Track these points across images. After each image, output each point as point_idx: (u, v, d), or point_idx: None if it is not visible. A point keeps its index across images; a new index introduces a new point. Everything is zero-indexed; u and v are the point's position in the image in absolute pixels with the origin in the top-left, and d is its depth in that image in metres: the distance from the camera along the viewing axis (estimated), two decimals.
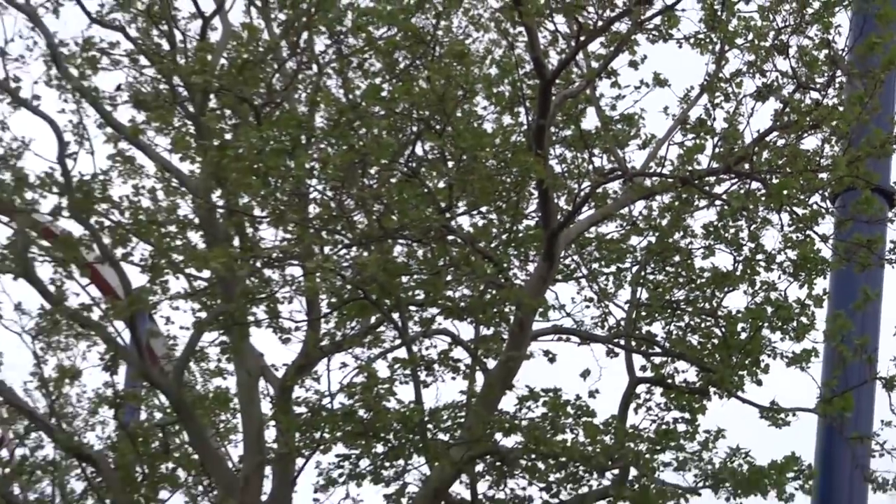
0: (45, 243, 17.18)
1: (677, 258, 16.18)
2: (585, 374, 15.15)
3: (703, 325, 15.94)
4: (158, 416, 18.60)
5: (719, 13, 14.54)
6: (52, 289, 16.79)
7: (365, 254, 14.80)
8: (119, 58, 16.96)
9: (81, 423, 18.78)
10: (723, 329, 15.45)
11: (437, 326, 16.13)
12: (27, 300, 18.14)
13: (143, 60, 16.90)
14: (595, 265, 16.97)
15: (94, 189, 16.26)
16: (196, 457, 17.17)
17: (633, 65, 14.60)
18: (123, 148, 17.14)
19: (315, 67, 16.45)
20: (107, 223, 16.38)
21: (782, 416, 14.89)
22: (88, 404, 19.02)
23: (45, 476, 19.13)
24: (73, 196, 16.13)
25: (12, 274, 16.71)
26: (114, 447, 17.66)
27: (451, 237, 14.94)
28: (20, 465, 19.31)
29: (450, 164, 15.36)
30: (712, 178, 14.86)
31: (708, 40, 14.81)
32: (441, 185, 15.27)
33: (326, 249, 15.39)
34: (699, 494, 14.95)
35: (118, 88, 17.20)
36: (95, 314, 17.00)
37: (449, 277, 15.44)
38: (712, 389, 15.11)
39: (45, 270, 16.85)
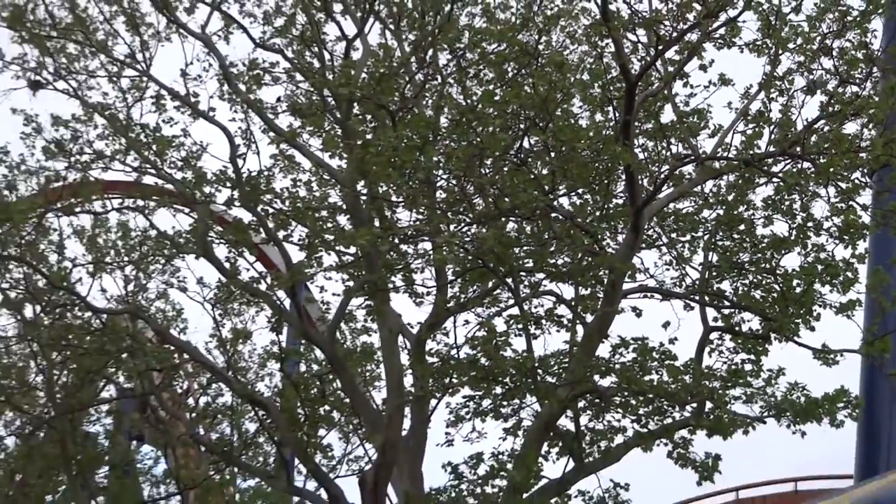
0: (220, 229, 18.06)
1: (742, 227, 16.42)
2: (666, 325, 15.66)
3: (764, 282, 16.26)
4: (316, 368, 19.05)
5: (773, 23, 14.82)
6: (227, 265, 17.61)
7: (483, 230, 15.62)
8: (278, 75, 17.67)
9: (253, 375, 19.60)
10: (781, 285, 15.82)
11: (543, 288, 16.84)
12: (207, 275, 19.29)
13: (298, 77, 17.62)
14: (673, 235, 17.17)
15: (259, 183, 17.22)
16: (347, 401, 18.00)
17: (703, 68, 14.83)
18: (284, 149, 17.85)
19: (439, 78, 16.91)
20: (271, 211, 17.26)
21: (832, 356, 15.14)
22: (258, 359, 19.90)
23: (224, 419, 19.91)
24: (243, 189, 16.94)
25: (195, 254, 17.87)
26: (280, 394, 18.43)
27: (553, 215, 15.69)
28: (204, 411, 20.41)
29: (552, 154, 15.87)
30: (770, 160, 15.35)
31: (764, 46, 15.16)
32: (545, 171, 15.91)
33: (452, 227, 16.05)
34: (764, 423, 15.24)
35: (278, 100, 17.71)
36: (263, 285, 17.80)
37: (553, 248, 16.18)
38: (773, 335, 15.58)
39: (220, 251, 17.80)
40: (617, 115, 15.31)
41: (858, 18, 14.87)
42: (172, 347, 19.43)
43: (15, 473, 21.41)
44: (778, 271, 16.06)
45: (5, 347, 20.21)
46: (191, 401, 21.47)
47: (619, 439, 16.08)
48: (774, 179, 15.77)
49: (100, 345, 18.51)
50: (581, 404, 16.05)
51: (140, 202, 19.28)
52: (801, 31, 15.33)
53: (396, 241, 16.84)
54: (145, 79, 17.95)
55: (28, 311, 19.10)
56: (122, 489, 21.03)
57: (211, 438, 20.15)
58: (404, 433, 16.59)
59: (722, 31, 14.58)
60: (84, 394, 20.11)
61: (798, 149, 14.85)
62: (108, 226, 19.26)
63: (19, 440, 21.21)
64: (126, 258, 19.10)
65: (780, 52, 15.33)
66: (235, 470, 20.61)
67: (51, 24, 17.73)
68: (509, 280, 16.41)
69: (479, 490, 15.65)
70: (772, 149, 15.26)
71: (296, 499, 19.76)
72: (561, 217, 15.96)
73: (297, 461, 18.34)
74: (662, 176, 15.73)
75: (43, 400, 20.28)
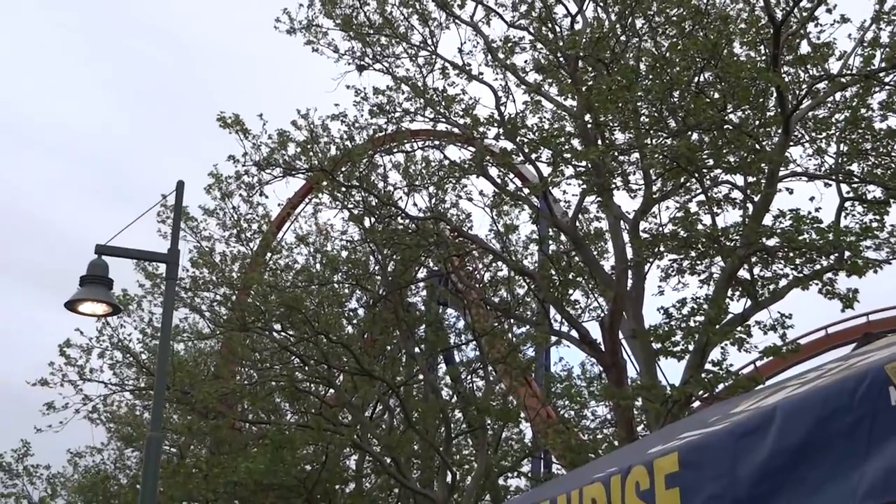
0: (491, 156, 19.05)
1: (864, 124, 16.70)
2: (812, 199, 16.23)
3: (882, 162, 16.80)
4: (563, 247, 19.83)
5: None
6: (498, 181, 18.90)
7: (676, 141, 16.50)
8: (525, 45, 18.62)
9: (520, 255, 20.09)
10: (895, 162, 16.41)
11: (721, 179, 17.53)
12: (486, 188, 20.75)
13: (539, 45, 18.38)
14: (813, 133, 17.52)
15: (516, 122, 18.06)
16: (587, 268, 18.70)
17: (829, 11, 15.76)
18: (532, 96, 18.46)
19: (637, 37, 17.55)
20: (525, 140, 18.04)
21: None
22: (523, 243, 20.34)
23: (502, 286, 21.07)
24: (505, 127, 18.04)
25: (476, 174, 18.97)
26: (542, 266, 19.27)
27: (725, 126, 16.30)
28: (489, 281, 21.44)
29: (722, 83, 16.33)
30: (882, 74, 15.70)
31: None
32: (717, 96, 16.42)
33: (654, 141, 17.09)
34: (890, 264, 15.99)
35: (526, 63, 18.44)
36: (524, 192, 19.08)
37: (726, 150, 16.70)
38: (892, 200, 16.12)
39: (493, 171, 19.06)
40: (767, 50, 15.74)
41: None
42: (465, 240, 20.53)
43: (364, 332, 22.83)
44: (893, 153, 16.51)
45: (353, 247, 21.41)
46: (479, 275, 22.40)
47: (783, 283, 16.44)
48: (887, 87, 16.15)
49: (415, 241, 19.65)
50: (754, 259, 16.51)
51: (436, 142, 20.51)
52: None
53: (615, 154, 17.77)
54: (434, 56, 19.02)
55: (366, 222, 20.04)
56: (436, 339, 22.40)
57: (494, 300, 21.15)
58: (628, 289, 17.30)
59: None
60: (406, 275, 21.36)
61: None
62: (415, 160, 20.22)
63: (366, 310, 22.42)
64: (429, 181, 20.03)
65: None
66: (512, 321, 21.45)
67: (368, 24, 19.06)
68: (697, 175, 17.07)
69: (683, 325, 16.04)
70: (884, 65, 15.59)
71: (553, 338, 20.35)
72: (731, 127, 16.41)
73: (554, 312, 19.05)
74: (803, 92, 16.29)
75: (379, 281, 21.37)
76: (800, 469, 3.47)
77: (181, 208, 13.11)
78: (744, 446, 3.66)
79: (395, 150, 20.06)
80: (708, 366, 15.76)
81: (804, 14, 15.72)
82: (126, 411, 27.17)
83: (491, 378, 22.09)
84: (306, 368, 21.53)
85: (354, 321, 22.75)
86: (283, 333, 21.10)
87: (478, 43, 18.80)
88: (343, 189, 19.27)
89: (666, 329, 16.31)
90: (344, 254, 21.45)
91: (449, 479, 21.14)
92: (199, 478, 22.07)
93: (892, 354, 3.49)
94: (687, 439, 4.20)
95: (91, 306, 11.62)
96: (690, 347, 15.88)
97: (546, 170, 17.93)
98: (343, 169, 19.10)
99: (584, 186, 17.83)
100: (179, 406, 23.34)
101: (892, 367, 3.30)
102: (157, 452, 11.49)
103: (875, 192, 16.57)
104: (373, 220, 19.95)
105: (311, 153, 19.03)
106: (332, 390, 22.24)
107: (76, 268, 14.10)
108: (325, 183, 19.28)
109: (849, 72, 16.10)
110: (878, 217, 16.27)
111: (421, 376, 22.92)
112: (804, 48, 16.60)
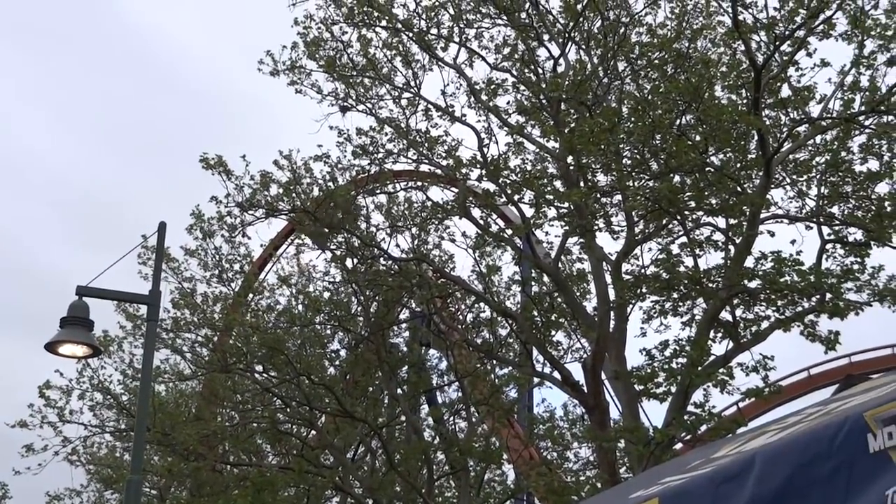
0: (474, 197, 19.09)
1: (844, 167, 16.85)
2: (793, 242, 16.36)
3: (863, 205, 16.83)
4: (545, 288, 19.79)
5: (859, 18, 15.43)
6: (480, 222, 18.82)
7: (658, 184, 16.58)
8: (508, 87, 18.62)
9: (503, 296, 19.93)
10: (876, 206, 16.43)
11: (703, 221, 17.66)
12: (468, 229, 19.46)
13: (521, 87, 18.46)
14: (794, 176, 17.59)
15: (499, 163, 18.13)
16: (569, 310, 18.65)
17: (809, 55, 15.69)
18: (514, 138, 18.15)
19: (619, 80, 17.64)
20: (508, 182, 18.08)
21: None
22: (505, 285, 20.18)
23: (484, 327, 20.90)
24: (488, 169, 18.04)
25: (458, 215, 18.62)
26: (524, 307, 19.30)
27: (707, 168, 16.47)
28: (471, 322, 21.33)
29: (703, 126, 16.57)
30: (862, 117, 15.96)
31: (853, 34, 15.74)
32: (698, 138, 16.56)
33: (636, 183, 17.11)
34: (871, 306, 15.94)
35: (508, 104, 18.57)
36: (506, 234, 18.71)
37: (708, 192, 16.87)
38: (872, 243, 16.14)
39: (476, 212, 19.00)
40: (749, 94, 15.80)
41: None
42: (447, 281, 20.50)
43: (346, 374, 22.71)
44: (873, 196, 16.56)
45: (335, 288, 21.36)
46: (461, 316, 22.34)
47: (764, 324, 16.46)
48: (866, 131, 16.29)
49: (398, 282, 19.62)
50: (736, 301, 16.61)
51: (419, 183, 20.40)
52: (879, 22, 15.75)
53: (598, 195, 17.83)
54: (417, 98, 19.00)
55: (349, 263, 19.99)
56: (419, 380, 22.18)
57: (477, 342, 21.06)
58: (611, 330, 17.24)
59: (821, 27, 15.28)
60: (389, 316, 21.20)
61: (883, 107, 15.44)
62: (398, 201, 20.20)
63: (348, 351, 22.34)
64: (412, 222, 19.98)
65: (865, 38, 15.84)
66: (494, 362, 21.36)
67: (351, 66, 19.02)
68: (679, 217, 17.23)
69: (666, 366, 16.01)
70: (863, 108, 15.75)
71: (536, 379, 20.37)
72: (713, 169, 16.57)
73: (536, 353, 18.90)
74: (784, 134, 16.48)
75: (362, 322, 21.19)
76: None
77: (163, 249, 13.05)
78: (724, 492, 3.66)
79: (377, 191, 20.11)
80: (690, 407, 15.91)
81: (785, 58, 15.85)
82: (106, 453, 26.88)
83: (473, 419, 22.03)
84: (288, 410, 21.43)
85: (336, 362, 22.75)
86: (264, 375, 21.06)
87: (461, 85, 18.99)
88: (325, 230, 19.27)
89: (648, 371, 16.30)
90: (326, 295, 21.48)
91: None
92: None
93: (871, 400, 3.51)
94: (668, 484, 4.20)
95: (71, 348, 11.57)
96: (673, 389, 15.91)
97: (529, 211, 18.02)
98: (327, 210, 19.14)
99: (567, 228, 17.84)
100: (160, 448, 23.10)
101: (870, 414, 3.31)
102: (138, 495, 11.39)
103: (856, 234, 16.68)
104: (355, 261, 19.96)
105: (293, 194, 19.06)
106: (313, 432, 22.08)
107: (57, 309, 14.00)
108: (307, 223, 19.27)
109: (829, 115, 16.29)
110: (858, 259, 16.34)
111: (403, 417, 22.76)
112: (785, 91, 16.77)
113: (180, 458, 21.93)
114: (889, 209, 16.20)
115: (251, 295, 22.39)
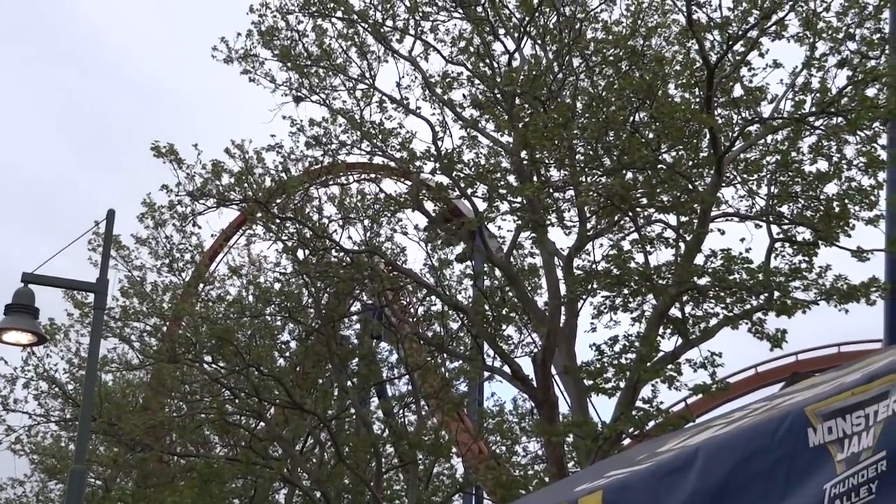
0: (427, 190, 19.01)
1: (794, 167, 16.77)
2: (742, 239, 16.36)
3: (812, 205, 16.79)
4: (497, 282, 19.79)
5: (811, 20, 15.49)
6: (433, 214, 18.86)
7: (611, 180, 16.74)
8: (463, 81, 18.46)
9: (454, 289, 19.84)
10: (824, 206, 16.42)
11: (654, 218, 17.84)
12: (420, 222, 19.70)
13: (476, 81, 18.33)
14: (745, 175, 17.52)
15: (453, 157, 18.10)
16: (519, 304, 18.72)
17: (761, 55, 15.72)
18: (468, 132, 18.38)
19: (574, 76, 17.60)
20: (461, 175, 18.08)
21: (864, 255, 15.72)
22: (457, 278, 20.09)
23: (436, 321, 20.80)
24: (442, 162, 18.03)
25: (411, 208, 18.96)
26: (476, 301, 19.28)
27: (659, 166, 16.65)
28: (422, 315, 21.29)
29: (656, 123, 16.49)
30: (812, 118, 15.87)
31: (805, 36, 15.68)
32: (651, 136, 16.64)
33: (588, 179, 17.24)
34: (818, 304, 15.91)
35: (464, 97, 18.48)
36: (459, 227, 18.65)
37: (660, 189, 17.08)
38: (821, 242, 16.19)
39: (428, 205, 18.98)
40: (701, 92, 15.77)
41: (873, 11, 15.60)
42: (399, 274, 20.45)
43: (296, 365, 22.57)
44: (821, 197, 16.63)
45: (286, 280, 21.14)
46: (412, 309, 22.27)
47: (713, 321, 16.54)
48: (816, 132, 16.40)
49: (349, 275, 19.56)
50: (685, 298, 16.70)
51: (372, 175, 20.36)
52: (831, 24, 15.78)
53: (550, 190, 17.91)
54: (372, 89, 18.87)
55: (300, 254, 19.98)
56: (369, 372, 22.16)
57: (428, 335, 21.10)
58: (562, 325, 17.32)
59: (773, 28, 15.38)
60: (340, 309, 21.17)
61: (833, 108, 15.49)
62: (351, 193, 20.06)
63: (298, 342, 22.20)
64: (364, 214, 19.87)
65: (817, 40, 15.89)
66: (445, 355, 21.38)
67: (306, 56, 18.86)
68: (630, 214, 17.38)
69: (615, 361, 16.22)
70: (813, 109, 15.82)
71: (486, 374, 20.53)
72: (665, 167, 16.71)
73: (487, 347, 19.06)
74: (735, 133, 16.51)
75: (312, 314, 21.14)
76: None
77: (111, 237, 12.92)
78: (666, 486, 3.70)
79: (330, 182, 20.02)
80: (639, 403, 15.98)
81: (737, 58, 15.84)
82: (51, 443, 26.54)
83: (423, 413, 22.00)
84: (237, 401, 21.27)
85: (286, 354, 22.61)
86: (213, 365, 20.91)
87: (416, 77, 18.79)
88: (277, 221, 19.20)
89: (598, 366, 16.42)
90: (277, 286, 21.29)
91: None
92: None
93: (813, 396, 3.55)
94: (612, 478, 4.22)
95: (15, 335, 11.44)
96: (622, 384, 15.98)
97: (482, 205, 18.08)
98: (278, 201, 19.02)
99: (519, 222, 17.92)
100: (105, 438, 22.85)
101: (811, 408, 3.36)
102: (81, 485, 11.30)
103: (804, 233, 16.77)
104: (307, 252, 19.88)
105: (245, 184, 18.88)
106: (262, 423, 21.93)
107: (1, 296, 13.81)
108: (258, 214, 19.15)
109: (780, 115, 16.29)
110: (806, 258, 16.46)
111: (353, 410, 22.74)
112: (737, 91, 16.77)
113: (126, 448, 21.71)
114: (837, 210, 16.21)
115: (201, 285, 22.28)
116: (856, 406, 3.26)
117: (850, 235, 16.25)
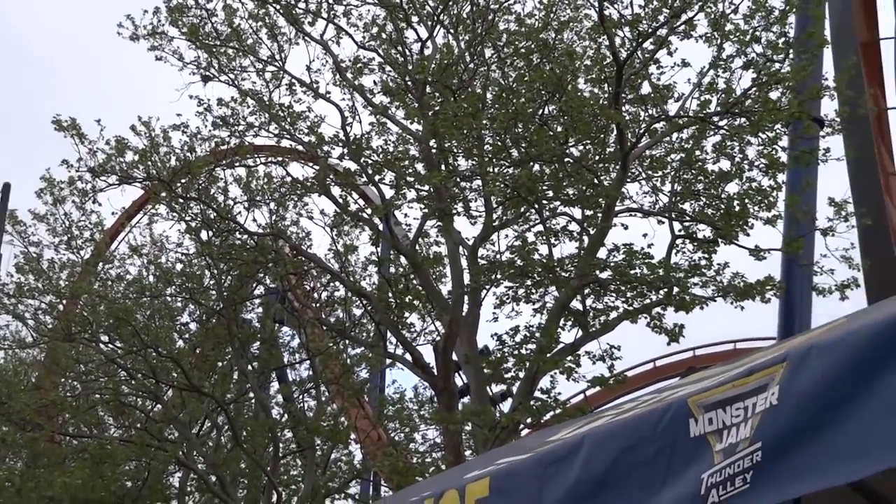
0: (334, 175, 18.80)
1: (697, 165, 16.97)
2: (645, 235, 16.67)
3: (713, 203, 16.93)
4: (401, 270, 19.72)
5: (719, 21, 15.76)
6: (340, 201, 18.58)
7: (518, 171, 16.79)
8: (374, 67, 18.34)
9: (359, 276, 19.78)
10: (725, 205, 16.52)
11: (560, 211, 17.95)
12: (327, 207, 19.47)
13: (388, 68, 18.26)
14: (650, 172, 17.78)
15: (362, 143, 18.01)
16: (424, 292, 18.47)
17: (670, 53, 15.88)
18: (378, 118, 18.26)
19: (486, 66, 17.73)
20: (370, 162, 17.98)
21: (762, 254, 16.01)
22: (362, 265, 19.99)
23: (339, 307, 20.88)
24: (350, 147, 17.84)
25: (318, 193, 18.57)
26: (378, 288, 19.03)
27: (566, 159, 16.79)
28: (325, 301, 21.41)
29: (565, 117, 16.66)
30: (717, 118, 16.07)
31: (713, 37, 15.85)
32: (559, 129, 16.71)
33: (496, 170, 17.24)
34: (715, 301, 16.06)
35: (374, 84, 18.38)
36: (365, 214, 18.72)
37: (566, 182, 17.19)
38: (720, 240, 16.34)
39: (336, 190, 18.67)
40: (610, 88, 15.91)
41: (779, 16, 15.87)
42: (303, 258, 20.20)
43: (196, 347, 22.37)
44: (723, 195, 16.88)
45: (189, 261, 20.98)
46: (316, 294, 22.18)
47: (613, 315, 16.63)
48: (720, 131, 16.69)
49: (253, 257, 19.27)
50: (587, 291, 16.80)
51: (279, 158, 20.11)
52: (738, 27, 16.01)
53: (458, 180, 18.02)
54: (282, 72, 18.60)
55: (203, 235, 19.69)
56: (270, 356, 22.03)
57: (330, 321, 21.04)
58: (464, 314, 17.23)
59: (683, 27, 15.60)
60: (242, 292, 21.02)
61: (737, 109, 15.78)
62: (257, 175, 19.80)
63: (198, 324, 21.98)
64: (270, 197, 19.70)
65: (724, 41, 16.13)
66: (347, 341, 21.24)
67: (215, 35, 18.54)
68: (536, 206, 17.41)
69: (516, 352, 16.24)
70: (718, 109, 16.03)
71: (388, 361, 20.45)
72: (571, 161, 16.85)
73: (389, 335, 18.95)
74: (642, 130, 16.73)
75: (214, 296, 20.88)
76: (602, 497, 3.59)
77: (5, 211, 12.56)
78: (551, 473, 3.74)
79: (237, 163, 19.64)
80: (537, 393, 16.04)
81: (647, 55, 15.98)
82: None
83: (323, 398, 21.97)
84: (133, 382, 20.90)
85: (186, 336, 22.37)
86: (110, 345, 20.53)
87: (326, 61, 18.41)
88: (181, 201, 18.87)
89: (499, 355, 16.50)
90: (178, 266, 21.08)
91: (275, 499, 20.87)
92: (12, 492, 21.11)
93: (698, 388, 3.61)
94: (501, 465, 4.25)
95: None
96: (521, 374, 16.04)
97: (389, 192, 17.99)
98: (182, 180, 18.70)
99: (426, 210, 17.88)
100: None
101: (693, 400, 3.42)
102: None
103: (705, 231, 16.96)
104: (210, 233, 19.59)
105: (149, 162, 18.49)
106: (158, 405, 21.59)
107: None
108: (163, 194, 18.80)
109: (685, 114, 16.42)
110: (706, 255, 16.66)
111: (252, 394, 22.47)
112: (645, 88, 16.88)
113: (16, 427, 21.19)
114: (737, 209, 16.38)
115: (101, 264, 21.83)
116: (736, 398, 3.33)
117: (748, 234, 16.44)
